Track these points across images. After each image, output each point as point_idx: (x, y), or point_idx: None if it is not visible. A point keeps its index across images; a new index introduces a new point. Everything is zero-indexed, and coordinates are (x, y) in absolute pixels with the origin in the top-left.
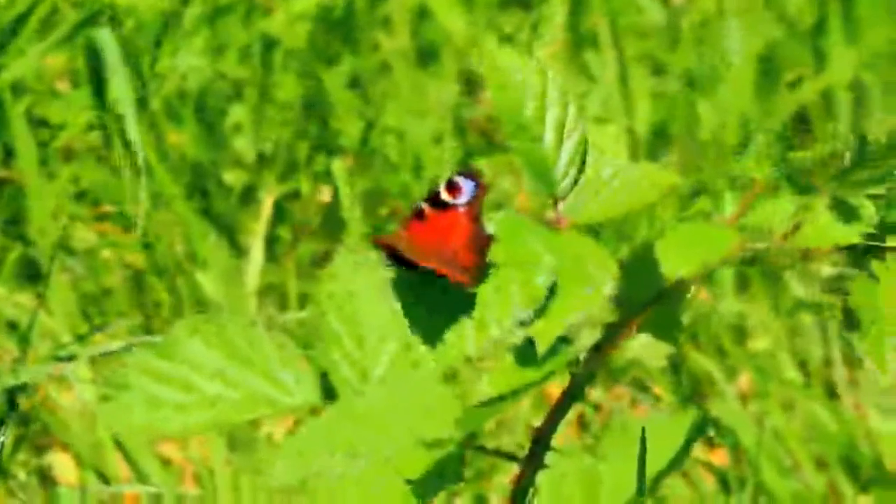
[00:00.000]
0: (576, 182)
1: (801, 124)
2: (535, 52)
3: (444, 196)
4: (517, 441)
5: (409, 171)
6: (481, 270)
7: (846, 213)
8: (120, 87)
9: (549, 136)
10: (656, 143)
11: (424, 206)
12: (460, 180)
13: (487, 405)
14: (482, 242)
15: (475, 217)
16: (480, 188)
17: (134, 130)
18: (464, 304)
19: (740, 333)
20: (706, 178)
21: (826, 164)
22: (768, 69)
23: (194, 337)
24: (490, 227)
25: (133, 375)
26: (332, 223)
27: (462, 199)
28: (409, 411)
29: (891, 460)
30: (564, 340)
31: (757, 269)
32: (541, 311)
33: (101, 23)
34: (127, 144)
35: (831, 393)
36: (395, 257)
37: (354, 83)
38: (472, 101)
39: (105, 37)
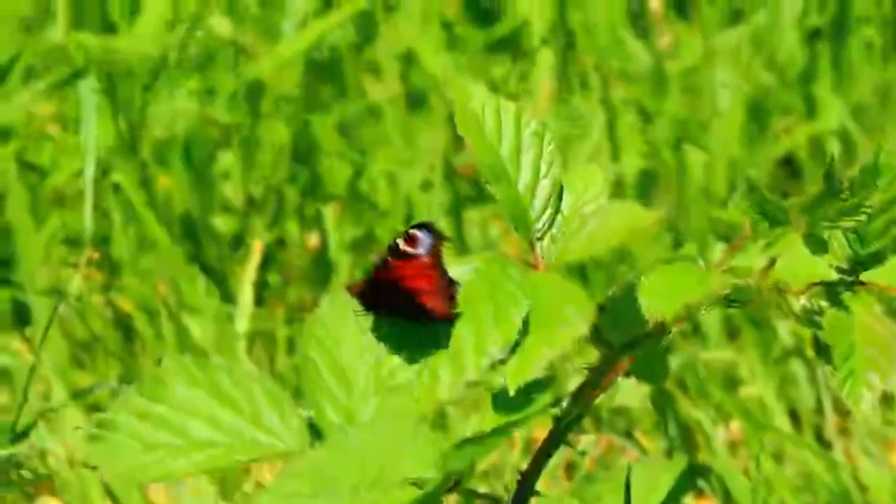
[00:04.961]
0: (552, 223)
1: (790, 171)
2: (522, 98)
3: (403, 247)
4: (506, 486)
5: (399, 218)
6: (449, 315)
7: (817, 246)
8: (92, 135)
9: (524, 179)
10: (644, 188)
11: (387, 258)
12: (417, 233)
13: (467, 445)
14: (448, 289)
15: (437, 265)
16: (438, 240)
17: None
18: (441, 345)
19: (730, 381)
20: (693, 224)
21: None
22: (757, 115)
23: (184, 380)
24: (456, 275)
25: (122, 418)
26: (321, 269)
27: (420, 249)
28: (391, 452)
29: None
30: (545, 382)
31: (745, 315)
32: (515, 351)
33: (88, 72)
34: (116, 190)
35: (822, 441)
36: (367, 304)
37: (343, 129)
38: (461, 147)
39: (89, 87)
